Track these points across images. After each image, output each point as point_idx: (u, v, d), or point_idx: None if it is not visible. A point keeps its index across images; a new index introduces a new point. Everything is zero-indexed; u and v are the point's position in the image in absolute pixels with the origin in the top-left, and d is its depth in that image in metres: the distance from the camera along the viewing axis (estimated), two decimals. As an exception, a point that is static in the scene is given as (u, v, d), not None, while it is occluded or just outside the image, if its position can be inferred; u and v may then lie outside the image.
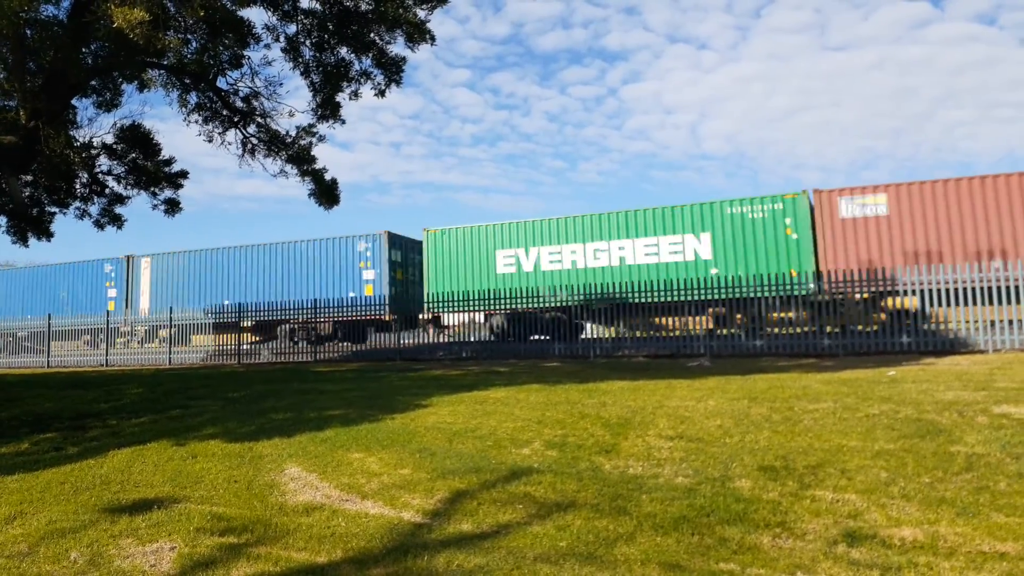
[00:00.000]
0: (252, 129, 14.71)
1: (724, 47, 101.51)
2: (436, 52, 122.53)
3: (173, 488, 5.81)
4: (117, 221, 15.91)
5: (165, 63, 12.86)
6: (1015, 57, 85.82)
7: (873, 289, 15.91)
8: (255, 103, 14.32)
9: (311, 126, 14.54)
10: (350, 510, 5.01)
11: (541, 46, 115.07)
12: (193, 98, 14.50)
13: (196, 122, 14.58)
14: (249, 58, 13.94)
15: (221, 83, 14.03)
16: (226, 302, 25.61)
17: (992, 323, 14.53)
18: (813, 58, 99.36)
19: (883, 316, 15.70)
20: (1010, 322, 14.41)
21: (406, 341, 21.25)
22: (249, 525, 4.75)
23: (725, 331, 17.22)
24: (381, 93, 13.85)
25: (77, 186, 15.49)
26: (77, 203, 15.85)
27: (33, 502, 5.59)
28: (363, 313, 21.73)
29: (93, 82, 13.88)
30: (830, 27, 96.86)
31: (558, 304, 19.56)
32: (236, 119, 14.54)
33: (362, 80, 13.81)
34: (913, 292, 15.23)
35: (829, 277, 16.53)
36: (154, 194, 15.59)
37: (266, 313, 22.74)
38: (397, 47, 13.97)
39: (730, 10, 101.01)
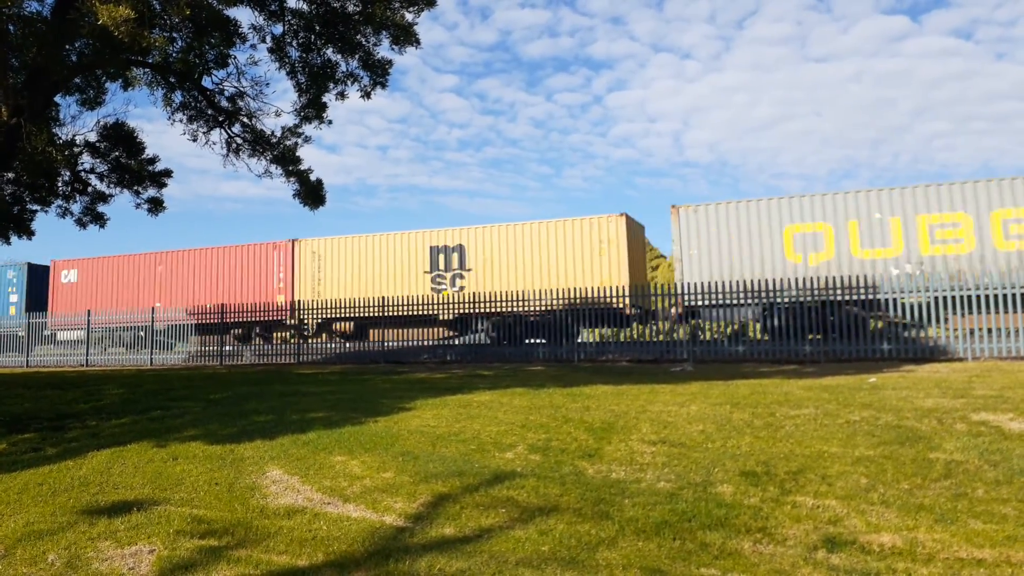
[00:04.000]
0: (237, 129, 14.64)
1: (707, 57, 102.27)
2: (424, 58, 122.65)
3: (153, 490, 5.77)
4: (100, 220, 15.78)
5: (150, 61, 12.77)
6: (990, 71, 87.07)
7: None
8: (240, 103, 14.26)
9: (297, 127, 14.49)
10: (332, 513, 4.99)
11: (528, 53, 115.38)
12: (178, 97, 14.42)
13: (181, 121, 14.50)
14: (235, 58, 13.89)
15: (206, 82, 13.97)
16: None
17: (971, 331, 14.69)
18: (794, 69, 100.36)
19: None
20: (989, 330, 14.58)
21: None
22: (230, 528, 4.73)
23: (708, 336, 17.29)
24: (367, 95, 13.84)
25: (59, 184, 15.34)
26: (59, 201, 15.71)
27: (10, 503, 5.52)
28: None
29: (76, 79, 13.77)
30: (811, 39, 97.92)
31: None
32: (221, 119, 14.46)
33: (348, 81, 13.80)
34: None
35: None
36: (137, 193, 15.47)
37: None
38: (383, 49, 13.98)
39: (713, 21, 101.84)
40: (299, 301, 23.84)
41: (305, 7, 13.16)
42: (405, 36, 12.97)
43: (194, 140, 14.63)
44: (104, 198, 15.80)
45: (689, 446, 6.58)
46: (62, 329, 25.04)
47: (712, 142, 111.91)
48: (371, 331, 21.35)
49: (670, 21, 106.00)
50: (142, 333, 23.82)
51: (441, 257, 23.41)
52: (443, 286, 23.11)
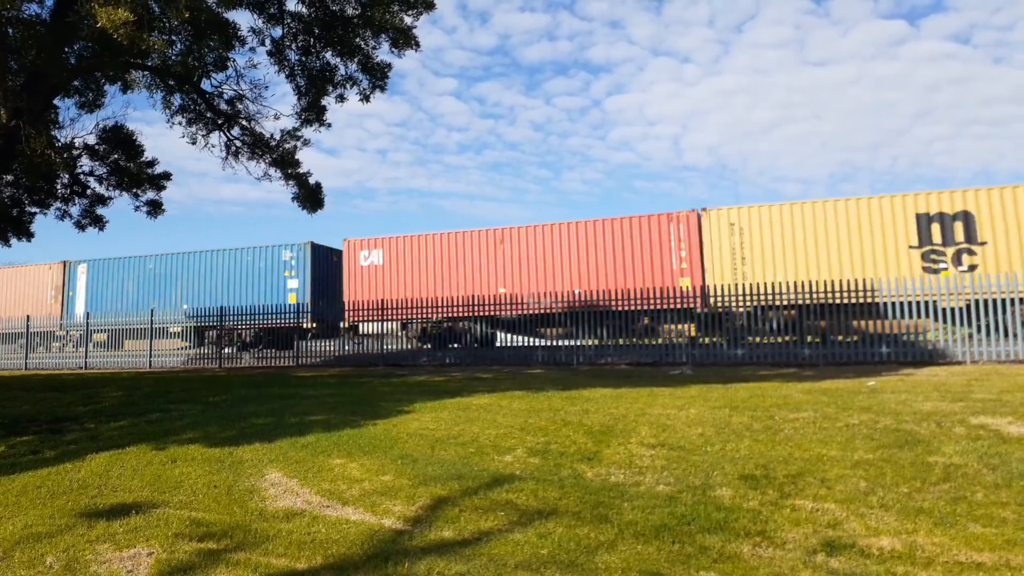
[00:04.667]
0: (236, 132, 14.63)
1: (706, 61, 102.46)
2: (423, 61, 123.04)
3: (152, 493, 5.76)
4: (98, 222, 15.79)
5: (149, 64, 12.76)
6: (989, 75, 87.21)
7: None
8: (239, 106, 14.25)
9: (296, 129, 14.50)
10: (331, 516, 4.99)
11: (527, 57, 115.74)
12: (177, 100, 14.42)
13: (180, 124, 14.50)
14: (234, 61, 13.87)
15: (205, 85, 13.96)
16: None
17: (970, 335, 14.69)
18: (794, 73, 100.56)
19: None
20: (988, 334, 14.58)
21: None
22: (228, 531, 4.72)
23: (707, 340, 17.29)
24: (366, 98, 13.85)
25: (58, 187, 15.34)
26: (58, 204, 15.70)
27: (9, 506, 5.51)
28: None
29: (76, 82, 13.76)
30: (809, 43, 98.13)
31: None
32: (220, 121, 14.46)
33: (348, 85, 13.81)
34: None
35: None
36: (136, 195, 15.47)
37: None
38: (382, 53, 13.96)
39: (712, 25, 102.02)
40: (709, 285, 19.22)
41: (304, 10, 13.17)
42: (404, 39, 12.98)
43: (193, 143, 14.64)
44: (103, 201, 15.80)
45: (688, 449, 6.58)
46: (367, 320, 21.78)
47: (711, 145, 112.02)
48: (821, 322, 16.35)
49: (669, 25, 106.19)
50: (474, 324, 20.40)
51: (936, 228, 18.47)
52: (941, 265, 18.32)
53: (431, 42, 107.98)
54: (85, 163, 15.23)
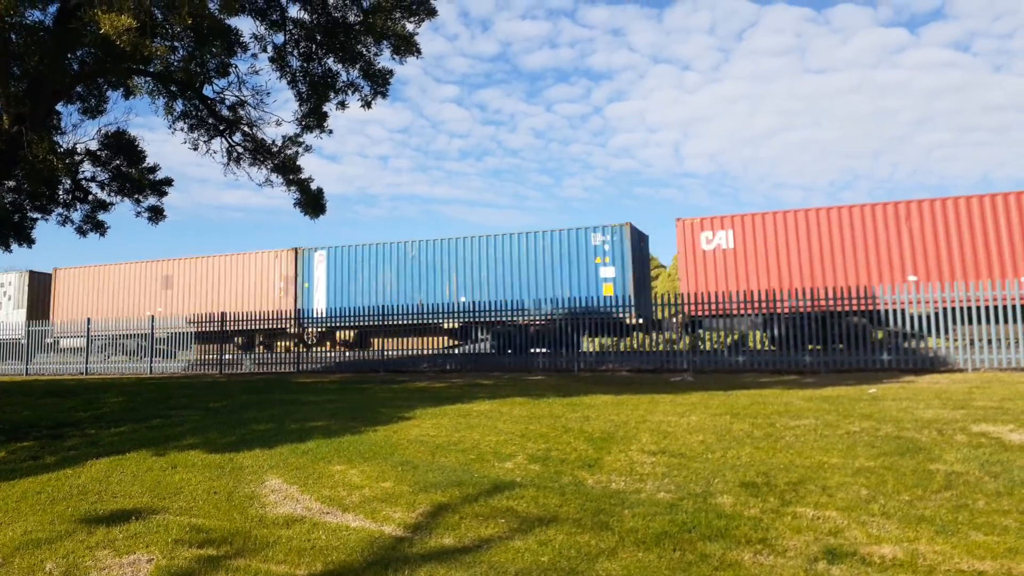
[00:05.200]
0: (238, 138, 14.68)
1: (707, 68, 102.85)
2: (425, 68, 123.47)
3: (152, 499, 5.75)
4: (100, 228, 15.82)
5: (151, 70, 12.81)
6: (989, 82, 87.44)
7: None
8: (241, 112, 14.31)
9: (297, 136, 14.55)
10: (331, 523, 4.98)
11: (528, 64, 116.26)
12: (179, 106, 14.47)
13: (182, 130, 14.58)
14: (236, 67, 13.95)
15: (207, 91, 14.01)
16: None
17: (972, 342, 14.67)
18: (794, 80, 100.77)
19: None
20: (989, 341, 14.55)
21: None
22: (228, 537, 4.71)
23: (708, 346, 17.28)
24: (367, 104, 13.89)
25: (60, 192, 15.38)
26: (60, 209, 15.74)
27: (9, 512, 5.50)
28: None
29: (78, 88, 13.81)
30: (810, 50, 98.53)
31: None
32: (222, 127, 14.50)
33: (349, 91, 13.86)
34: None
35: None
36: (138, 201, 15.52)
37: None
38: (384, 59, 14.03)
39: (713, 33, 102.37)
40: None
41: (306, 17, 13.23)
42: (406, 46, 13.03)
43: (195, 149, 14.70)
44: (104, 206, 15.84)
45: (689, 456, 6.57)
46: (728, 315, 17.31)
47: (712, 152, 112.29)
48: None
49: (670, 32, 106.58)
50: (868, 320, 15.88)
51: None
52: None
53: (433, 49, 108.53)
54: (87, 169, 15.30)
